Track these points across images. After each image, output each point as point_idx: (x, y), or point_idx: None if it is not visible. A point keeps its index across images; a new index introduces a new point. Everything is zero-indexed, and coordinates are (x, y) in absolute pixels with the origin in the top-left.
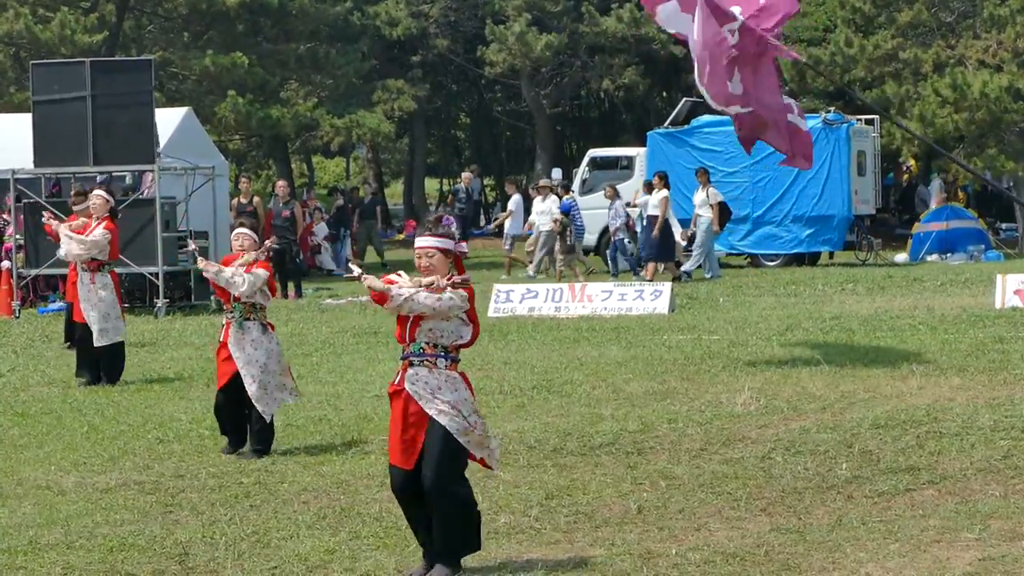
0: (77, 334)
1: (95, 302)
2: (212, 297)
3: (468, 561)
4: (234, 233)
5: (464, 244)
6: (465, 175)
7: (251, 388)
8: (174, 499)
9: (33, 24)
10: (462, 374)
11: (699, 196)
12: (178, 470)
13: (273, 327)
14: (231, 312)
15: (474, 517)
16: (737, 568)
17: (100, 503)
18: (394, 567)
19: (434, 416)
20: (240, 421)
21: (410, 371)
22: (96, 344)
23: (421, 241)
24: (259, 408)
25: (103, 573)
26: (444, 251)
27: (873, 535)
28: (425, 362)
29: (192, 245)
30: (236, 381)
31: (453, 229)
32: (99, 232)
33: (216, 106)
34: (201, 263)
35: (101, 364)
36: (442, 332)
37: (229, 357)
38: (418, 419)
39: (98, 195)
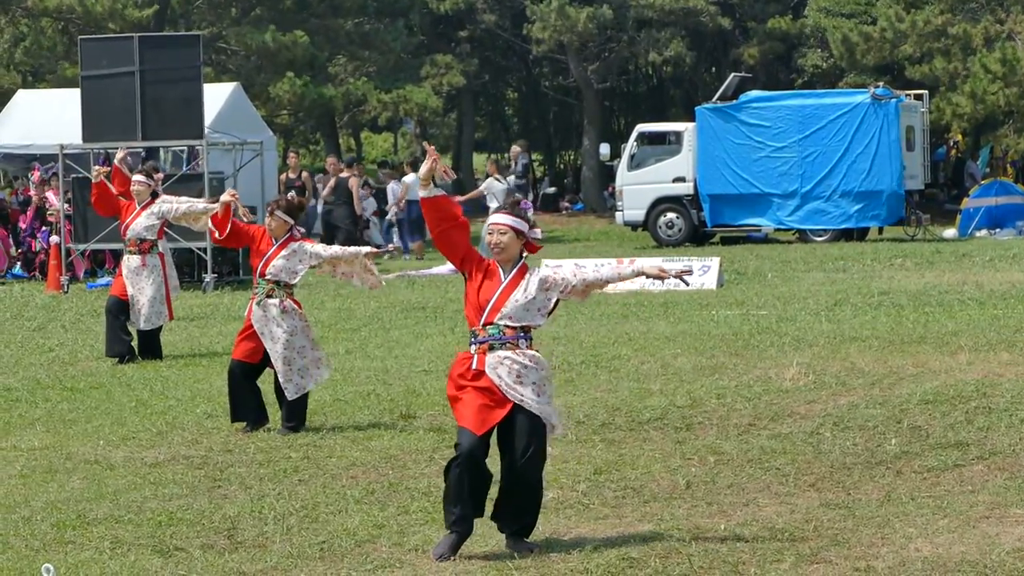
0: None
1: (143, 286)
2: None
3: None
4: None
5: (539, 231)
6: (514, 148)
7: (277, 365)
8: (222, 473)
9: None
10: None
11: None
12: (226, 445)
13: (299, 304)
14: (256, 288)
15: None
16: (786, 543)
17: (149, 477)
18: None
19: (521, 403)
20: (252, 396)
21: (490, 356)
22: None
23: (496, 217)
24: (285, 385)
25: (151, 547)
26: (517, 232)
27: (922, 511)
28: (507, 344)
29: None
30: (254, 356)
31: (530, 215)
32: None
33: (268, 83)
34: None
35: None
36: (521, 315)
37: (252, 333)
38: (500, 400)
39: (139, 181)
